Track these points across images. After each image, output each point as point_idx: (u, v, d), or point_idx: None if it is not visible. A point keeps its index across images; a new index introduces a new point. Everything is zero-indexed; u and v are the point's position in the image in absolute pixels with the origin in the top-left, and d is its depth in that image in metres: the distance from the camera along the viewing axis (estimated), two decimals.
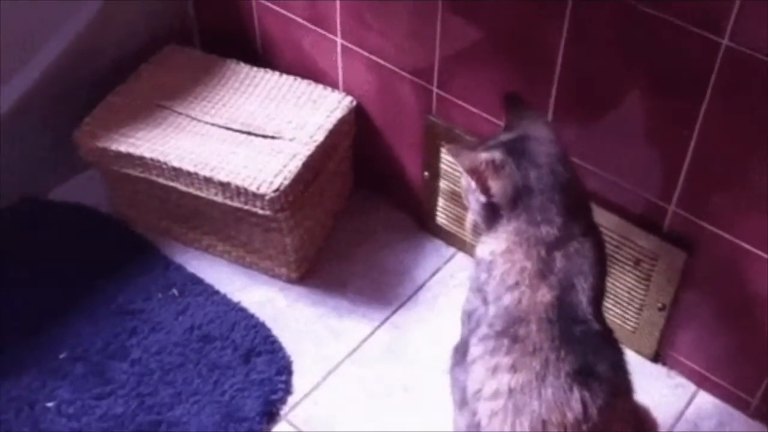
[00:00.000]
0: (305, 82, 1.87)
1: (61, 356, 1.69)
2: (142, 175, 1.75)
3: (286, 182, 1.65)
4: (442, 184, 1.81)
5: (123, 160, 1.75)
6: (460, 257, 1.86)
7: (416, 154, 1.83)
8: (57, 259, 1.85)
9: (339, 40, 1.79)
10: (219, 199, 1.69)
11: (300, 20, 1.83)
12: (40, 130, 1.92)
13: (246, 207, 1.67)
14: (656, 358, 1.68)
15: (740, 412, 1.60)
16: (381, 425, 1.60)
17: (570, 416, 1.16)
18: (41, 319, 1.74)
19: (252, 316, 1.76)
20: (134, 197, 1.87)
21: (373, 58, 1.75)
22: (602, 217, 1.56)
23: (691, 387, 1.65)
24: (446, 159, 1.76)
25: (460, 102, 1.67)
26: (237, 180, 1.65)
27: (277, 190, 1.64)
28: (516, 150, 1.27)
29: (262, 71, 1.90)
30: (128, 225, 1.92)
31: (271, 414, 1.62)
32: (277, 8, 1.86)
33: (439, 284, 1.82)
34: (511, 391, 1.18)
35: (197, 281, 1.82)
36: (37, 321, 1.74)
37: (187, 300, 1.78)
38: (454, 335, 1.71)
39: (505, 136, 1.31)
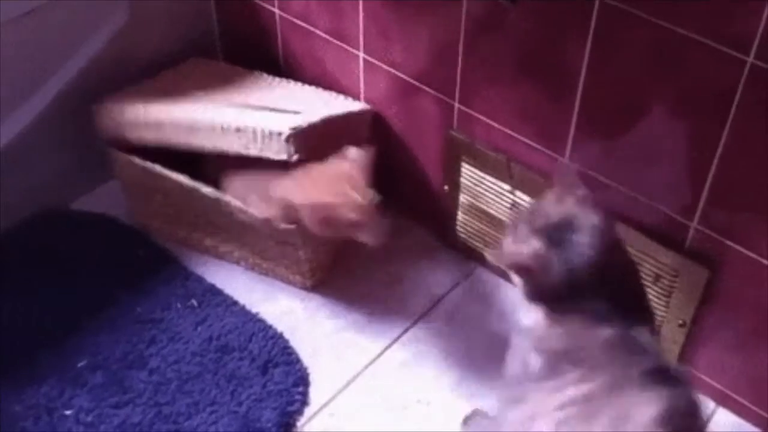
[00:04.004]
0: (328, 91, 1.89)
1: (80, 365, 1.69)
2: (158, 142, 1.74)
3: (304, 125, 1.63)
4: (462, 198, 1.81)
5: (139, 129, 1.75)
6: (480, 271, 1.86)
7: (437, 168, 1.83)
8: (78, 269, 1.86)
9: (361, 55, 1.80)
10: (235, 146, 1.66)
11: (323, 34, 1.85)
12: (64, 141, 1.93)
13: (262, 153, 1.65)
14: None
15: (760, 431, 1.59)
16: None
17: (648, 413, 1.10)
18: (61, 328, 1.75)
19: (270, 327, 1.77)
20: (152, 205, 1.88)
21: (395, 72, 1.76)
22: (624, 233, 1.56)
23: (710, 405, 1.64)
24: (466, 173, 1.76)
25: (481, 117, 1.68)
26: (254, 124, 1.63)
27: (294, 128, 1.61)
28: (560, 241, 1.19)
29: (285, 81, 1.92)
30: (149, 236, 1.93)
31: (287, 425, 1.62)
32: (300, 22, 1.87)
33: (458, 298, 1.82)
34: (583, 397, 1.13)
35: (216, 292, 1.83)
36: (57, 329, 1.74)
37: (206, 311, 1.79)
38: (471, 350, 1.72)
39: (548, 218, 1.23)
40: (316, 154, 1.63)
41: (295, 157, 1.62)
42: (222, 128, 1.67)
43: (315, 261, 1.79)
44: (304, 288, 1.83)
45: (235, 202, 1.72)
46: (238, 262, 1.87)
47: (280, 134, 1.60)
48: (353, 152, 1.54)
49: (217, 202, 1.74)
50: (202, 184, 1.75)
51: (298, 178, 1.58)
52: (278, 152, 1.62)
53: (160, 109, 1.76)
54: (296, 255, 1.75)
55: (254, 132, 1.63)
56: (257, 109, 1.73)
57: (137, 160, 1.80)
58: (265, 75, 1.93)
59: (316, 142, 1.67)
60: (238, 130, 1.64)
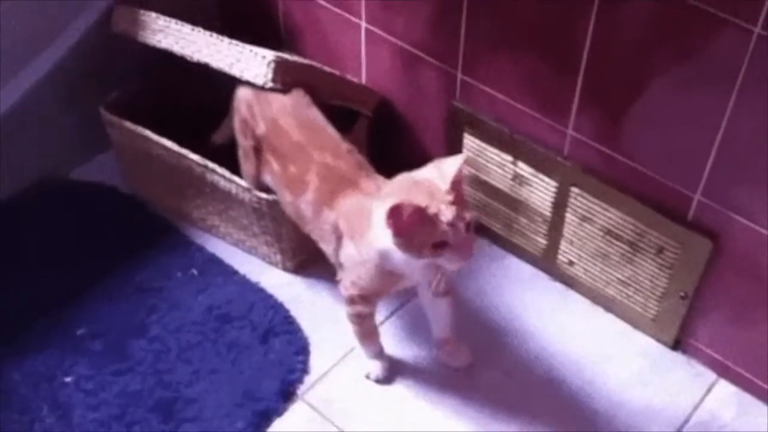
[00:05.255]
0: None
1: (80, 333, 1.69)
2: (163, 46, 1.72)
3: (290, 59, 1.63)
4: (464, 170, 1.80)
5: (148, 31, 1.75)
6: (482, 243, 1.86)
7: (439, 141, 1.83)
8: (77, 237, 1.86)
9: (363, 24, 1.79)
10: (222, 61, 1.65)
11: (324, 3, 1.83)
12: (63, 110, 1.92)
13: (243, 74, 1.64)
14: (676, 346, 1.68)
15: (761, 402, 1.60)
16: (397, 406, 1.61)
17: None
18: (61, 296, 1.75)
19: (270, 296, 1.76)
20: (144, 173, 1.88)
21: (398, 42, 1.75)
22: (627, 205, 1.56)
23: (711, 376, 1.65)
24: (468, 144, 1.76)
25: (484, 87, 1.67)
26: (245, 45, 1.63)
27: (280, 57, 1.61)
28: None
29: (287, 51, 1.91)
30: (148, 205, 1.93)
31: (288, 394, 1.62)
32: None
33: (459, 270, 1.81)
34: None
35: (217, 261, 1.82)
36: (57, 298, 1.74)
37: (207, 280, 1.79)
38: (467, 316, 1.72)
39: None
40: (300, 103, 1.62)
41: (270, 84, 1.61)
42: (216, 38, 1.66)
43: (296, 240, 1.75)
44: (285, 269, 1.82)
45: (220, 170, 1.71)
46: (224, 237, 1.87)
47: (264, 57, 1.61)
48: (447, 163, 1.35)
49: (203, 169, 1.73)
50: (190, 151, 1.74)
51: (393, 190, 1.40)
52: (257, 76, 1.62)
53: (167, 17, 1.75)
54: (278, 231, 1.75)
55: (242, 50, 1.63)
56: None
57: (129, 125, 1.79)
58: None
59: (300, 82, 1.65)
60: (230, 44, 1.65)
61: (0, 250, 1.81)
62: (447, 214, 1.30)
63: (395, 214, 1.29)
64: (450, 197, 1.31)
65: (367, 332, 1.61)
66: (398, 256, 1.36)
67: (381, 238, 1.36)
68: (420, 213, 1.29)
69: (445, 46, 1.68)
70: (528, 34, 1.55)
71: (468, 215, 1.32)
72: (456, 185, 1.32)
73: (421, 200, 1.30)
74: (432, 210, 1.30)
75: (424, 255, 1.34)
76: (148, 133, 1.78)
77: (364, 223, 1.41)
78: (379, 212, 1.34)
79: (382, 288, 1.52)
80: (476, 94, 1.69)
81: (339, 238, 1.49)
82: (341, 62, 1.88)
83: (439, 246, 1.32)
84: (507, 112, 1.66)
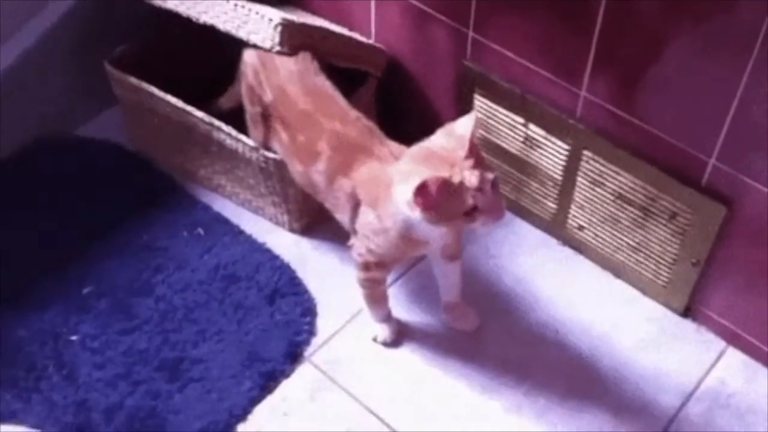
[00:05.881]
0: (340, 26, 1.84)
1: (85, 291, 1.68)
2: (169, 6, 1.66)
3: (297, 21, 1.58)
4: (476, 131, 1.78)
5: None
6: None
7: (449, 102, 1.80)
8: (82, 195, 1.85)
9: None
10: (228, 23, 1.60)
11: None
12: (68, 65, 1.90)
13: (249, 36, 1.59)
14: (686, 313, 1.67)
15: None
16: (404, 368, 1.61)
17: None
18: (66, 254, 1.74)
19: (277, 257, 1.75)
20: (149, 130, 1.85)
21: None
22: (640, 169, 1.54)
23: (721, 343, 1.64)
24: (479, 106, 1.73)
25: (496, 47, 1.64)
26: (251, 6, 1.59)
27: (287, 20, 1.55)
28: None
29: (301, 10, 1.87)
30: (153, 163, 1.91)
31: (294, 355, 1.62)
32: None
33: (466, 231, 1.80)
34: None
35: (223, 221, 1.81)
36: (62, 256, 1.73)
37: (213, 239, 1.77)
38: (475, 280, 1.71)
39: None
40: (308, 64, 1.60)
41: (277, 48, 1.57)
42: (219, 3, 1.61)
43: (303, 201, 1.74)
44: (292, 230, 1.81)
45: (227, 128, 1.69)
46: (230, 197, 1.85)
47: (271, 20, 1.57)
48: (460, 126, 1.32)
49: (210, 127, 1.71)
50: (195, 108, 1.72)
51: (410, 165, 1.36)
52: (264, 39, 1.58)
53: None
54: (285, 192, 1.73)
55: (249, 12, 1.58)
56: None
57: (134, 81, 1.77)
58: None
59: (307, 45, 1.61)
60: (235, 5, 1.60)
61: (4, 207, 1.80)
62: (472, 180, 1.28)
63: (422, 192, 1.27)
64: (470, 162, 1.28)
65: (378, 297, 1.60)
66: (425, 226, 1.35)
67: (406, 211, 1.33)
68: (446, 185, 1.26)
69: (457, 3, 1.64)
70: None
71: (491, 175, 1.30)
72: (473, 148, 1.30)
73: (443, 171, 1.27)
74: (456, 179, 1.27)
75: (456, 224, 1.33)
76: (153, 89, 1.75)
77: (383, 192, 1.39)
78: (402, 190, 1.31)
79: (402, 254, 1.51)
80: (488, 53, 1.66)
81: (355, 206, 1.47)
82: (350, 19, 1.84)
83: (471, 212, 1.30)
84: (519, 72, 1.63)
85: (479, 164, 1.29)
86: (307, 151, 1.53)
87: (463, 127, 1.31)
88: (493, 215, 1.31)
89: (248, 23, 1.59)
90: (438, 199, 1.27)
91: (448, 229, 1.35)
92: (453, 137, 1.31)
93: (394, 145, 1.48)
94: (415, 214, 1.31)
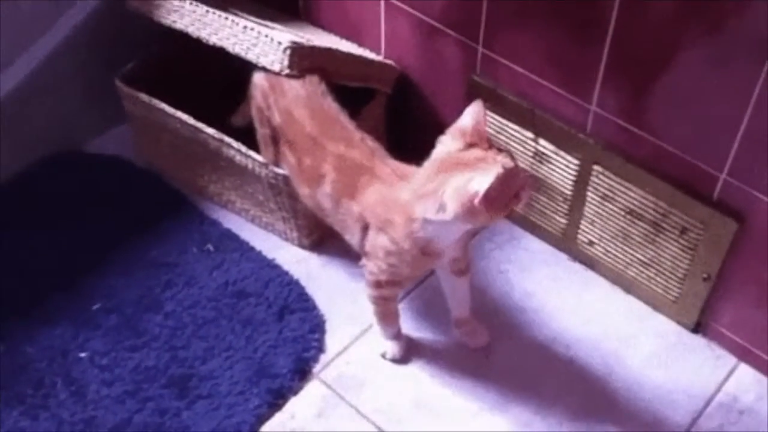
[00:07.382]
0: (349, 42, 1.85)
1: (94, 308, 1.68)
2: (177, 27, 1.69)
3: (306, 44, 1.60)
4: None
5: (163, 10, 1.72)
6: (500, 222, 1.83)
7: (458, 116, 1.78)
8: (91, 211, 1.85)
9: None
10: (237, 45, 1.63)
11: None
12: (77, 81, 1.90)
13: (258, 59, 1.61)
14: (697, 328, 1.66)
15: None
16: (413, 385, 1.60)
17: None
18: (75, 270, 1.74)
19: (286, 273, 1.75)
20: (159, 146, 1.85)
21: (417, 14, 1.71)
22: (651, 184, 1.53)
23: (732, 359, 1.62)
24: (489, 120, 1.72)
25: (505, 61, 1.63)
26: (260, 28, 1.60)
27: (296, 43, 1.57)
28: None
29: (310, 25, 1.88)
30: (163, 179, 1.91)
31: (303, 371, 1.61)
32: None
33: (479, 245, 1.79)
34: None
35: (233, 237, 1.81)
36: (72, 272, 1.73)
37: (222, 255, 1.77)
38: (485, 296, 1.70)
39: None
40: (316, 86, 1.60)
41: (286, 71, 1.58)
42: (232, 22, 1.63)
43: (312, 217, 1.71)
44: (302, 246, 1.80)
45: (236, 145, 1.69)
46: (239, 213, 1.85)
47: (280, 43, 1.58)
48: (470, 116, 1.35)
49: (219, 143, 1.71)
50: (206, 125, 1.72)
51: (434, 174, 1.36)
52: (273, 62, 1.59)
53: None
54: (294, 208, 1.72)
55: (258, 35, 1.60)
56: (270, 25, 1.70)
57: (144, 97, 1.77)
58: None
59: (316, 67, 1.62)
60: (245, 28, 1.61)
61: (14, 222, 1.80)
62: (507, 162, 1.30)
63: (489, 201, 1.26)
64: (494, 150, 1.31)
65: (389, 314, 1.60)
66: (445, 236, 1.38)
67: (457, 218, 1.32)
68: (500, 180, 1.26)
69: (466, 18, 1.64)
70: (552, 5, 1.51)
71: (504, 150, 1.34)
72: (484, 133, 1.33)
73: (485, 171, 1.28)
74: (499, 170, 1.27)
75: (505, 212, 1.34)
76: (163, 105, 1.76)
77: (393, 213, 1.40)
78: (452, 208, 1.30)
79: (415, 271, 1.51)
80: (497, 68, 1.65)
81: (364, 228, 1.47)
82: (360, 34, 1.85)
83: (518, 193, 1.32)
84: (528, 87, 1.62)
85: (493, 145, 1.34)
86: (313, 174, 1.53)
87: (472, 116, 1.35)
88: (528, 183, 1.34)
89: (257, 45, 1.60)
90: (498, 196, 1.28)
91: (494, 221, 1.38)
92: (464, 133, 1.34)
93: (396, 165, 1.48)
94: (475, 217, 1.30)
